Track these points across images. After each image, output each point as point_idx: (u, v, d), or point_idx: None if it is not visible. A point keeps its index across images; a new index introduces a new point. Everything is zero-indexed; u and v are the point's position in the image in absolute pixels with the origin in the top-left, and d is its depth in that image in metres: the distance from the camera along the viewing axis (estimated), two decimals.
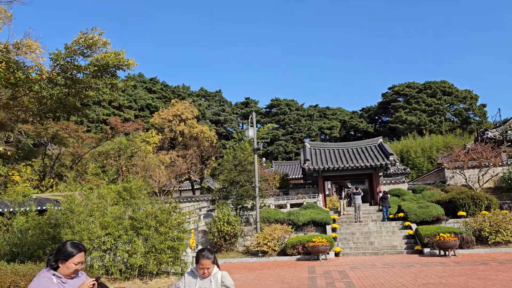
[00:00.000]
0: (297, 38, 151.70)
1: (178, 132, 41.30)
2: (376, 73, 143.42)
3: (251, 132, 22.10)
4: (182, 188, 41.37)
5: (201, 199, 31.21)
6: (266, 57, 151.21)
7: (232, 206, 24.06)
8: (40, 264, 10.48)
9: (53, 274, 3.54)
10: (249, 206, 24.61)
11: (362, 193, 24.88)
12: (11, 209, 15.65)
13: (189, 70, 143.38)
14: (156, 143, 38.67)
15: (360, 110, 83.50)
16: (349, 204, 29.01)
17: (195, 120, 44.47)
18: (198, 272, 4.47)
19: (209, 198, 29.86)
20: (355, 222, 23.33)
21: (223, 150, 49.54)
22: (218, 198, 25.97)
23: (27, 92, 10.60)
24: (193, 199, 31.84)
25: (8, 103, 10.86)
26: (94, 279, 3.68)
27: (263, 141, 50.44)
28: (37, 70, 10.50)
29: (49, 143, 27.81)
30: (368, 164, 27.97)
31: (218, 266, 4.60)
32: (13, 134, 22.04)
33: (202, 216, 24.31)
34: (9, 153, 12.58)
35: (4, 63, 9.35)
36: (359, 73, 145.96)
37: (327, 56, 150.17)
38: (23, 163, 26.70)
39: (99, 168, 32.52)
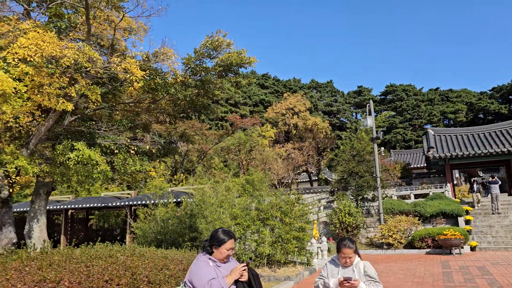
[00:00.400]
0: (408, 19, 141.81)
1: (291, 125, 41.88)
2: (509, 46, 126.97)
3: (369, 121, 21.38)
4: (300, 180, 41.90)
5: (319, 190, 31.24)
6: (377, 43, 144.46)
7: (352, 197, 23.65)
8: (181, 250, 11.58)
9: (209, 258, 3.89)
10: (369, 197, 23.92)
11: (500, 182, 22.33)
12: (153, 201, 17.56)
13: (299, 63, 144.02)
14: (271, 137, 39.75)
15: (490, 90, 74.75)
16: (485, 194, 26.37)
17: (308, 112, 44.57)
18: (340, 261, 4.51)
19: (328, 190, 29.73)
20: (493, 213, 21.08)
21: (338, 141, 48.79)
22: (337, 189, 25.71)
23: (165, 95, 11.84)
24: (311, 191, 32.04)
25: (150, 106, 12.25)
26: (245, 264, 3.97)
27: (380, 129, 48.14)
28: (172, 75, 11.65)
29: (178, 141, 30.53)
30: (505, 150, 25.00)
31: (359, 256, 4.58)
32: (149, 135, 24.62)
33: (322, 207, 24.35)
34: (153, 151, 14.14)
35: (147, 70, 10.59)
36: (486, 49, 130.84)
37: (446, 34, 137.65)
38: (157, 160, 29.74)
39: (221, 163, 34.66)
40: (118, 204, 21.68)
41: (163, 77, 11.46)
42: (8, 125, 9.80)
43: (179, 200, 17.92)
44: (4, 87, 7.69)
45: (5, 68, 8.94)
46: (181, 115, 14.34)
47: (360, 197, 23.75)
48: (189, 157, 32.00)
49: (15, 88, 8.33)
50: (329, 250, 16.95)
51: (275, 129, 41.13)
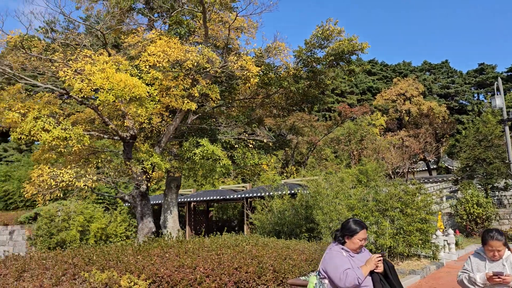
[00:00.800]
0: None
1: (404, 111, 39.58)
2: None
3: (498, 101, 19.19)
4: (416, 169, 39.47)
5: (440, 179, 29.07)
6: (501, 11, 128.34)
7: (479, 186, 21.58)
8: (299, 241, 11.74)
9: (342, 248, 3.86)
10: (501, 186, 21.57)
11: None
12: (268, 193, 18.06)
13: (408, 45, 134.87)
14: (382, 125, 38.07)
15: None
16: None
17: (421, 96, 41.65)
18: (487, 255, 4.16)
19: (449, 178, 27.53)
20: None
21: (458, 126, 44.76)
22: (460, 177, 23.63)
23: (278, 89, 12.12)
24: (430, 180, 29.97)
25: (263, 101, 12.64)
26: (380, 255, 3.85)
27: (511, 110, 42.59)
28: (285, 68, 11.87)
29: (287, 134, 30.98)
30: None
31: (509, 249, 4.16)
32: (259, 129, 25.33)
33: (444, 198, 22.65)
34: (270, 144, 14.60)
35: (261, 66, 10.95)
36: None
37: None
38: (269, 153, 30.54)
39: (331, 154, 34.26)
40: (234, 196, 22.79)
41: (276, 71, 11.74)
42: (142, 126, 10.95)
43: (293, 192, 18.14)
44: (139, 92, 8.64)
45: (139, 74, 10.05)
46: (294, 107, 14.54)
47: (490, 185, 21.55)
48: (299, 149, 32.24)
49: (148, 92, 9.31)
50: (457, 244, 15.67)
51: (386, 117, 39.30)
